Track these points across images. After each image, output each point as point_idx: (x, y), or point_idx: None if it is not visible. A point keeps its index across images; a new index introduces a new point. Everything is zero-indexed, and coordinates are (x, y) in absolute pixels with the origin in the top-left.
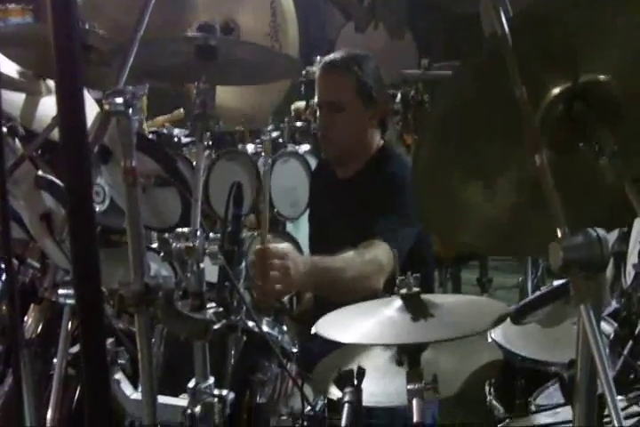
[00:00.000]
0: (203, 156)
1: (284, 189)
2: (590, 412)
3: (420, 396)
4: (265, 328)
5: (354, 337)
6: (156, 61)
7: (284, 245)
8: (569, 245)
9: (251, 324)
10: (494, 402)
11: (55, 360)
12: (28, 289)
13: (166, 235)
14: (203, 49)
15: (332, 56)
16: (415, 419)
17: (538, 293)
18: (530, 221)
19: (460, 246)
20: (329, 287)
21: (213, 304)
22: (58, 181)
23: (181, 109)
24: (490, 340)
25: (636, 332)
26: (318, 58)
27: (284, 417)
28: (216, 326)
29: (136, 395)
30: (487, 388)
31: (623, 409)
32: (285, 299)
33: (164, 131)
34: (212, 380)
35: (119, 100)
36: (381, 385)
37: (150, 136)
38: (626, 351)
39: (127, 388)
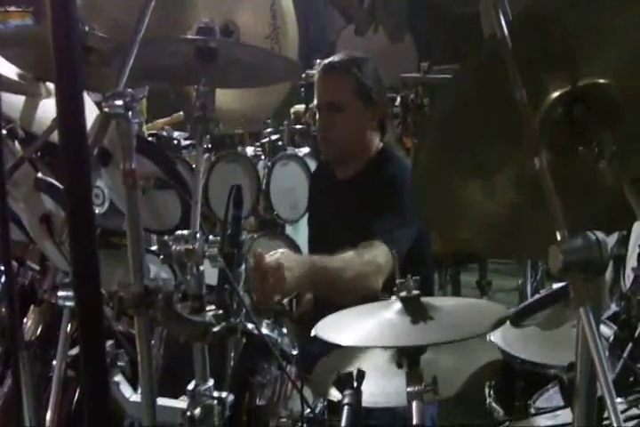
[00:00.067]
0: (202, 158)
1: (283, 192)
2: (590, 414)
3: (420, 398)
4: (264, 330)
5: (353, 340)
6: (155, 62)
7: (279, 254)
8: (568, 248)
9: (250, 326)
10: (494, 404)
11: (54, 362)
12: (27, 291)
13: (166, 237)
14: (202, 51)
15: (331, 58)
16: (415, 421)
17: (537, 296)
18: (528, 219)
19: (460, 243)
20: (328, 287)
21: (213, 307)
22: (57, 184)
23: (181, 112)
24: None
25: (636, 335)
26: (318, 61)
27: (284, 419)
28: (215, 329)
29: (135, 397)
30: (487, 390)
31: (623, 412)
32: (285, 301)
33: (164, 133)
34: (211, 382)
35: (119, 102)
36: (380, 385)
37: (150, 139)
38: (625, 354)
39: (127, 390)
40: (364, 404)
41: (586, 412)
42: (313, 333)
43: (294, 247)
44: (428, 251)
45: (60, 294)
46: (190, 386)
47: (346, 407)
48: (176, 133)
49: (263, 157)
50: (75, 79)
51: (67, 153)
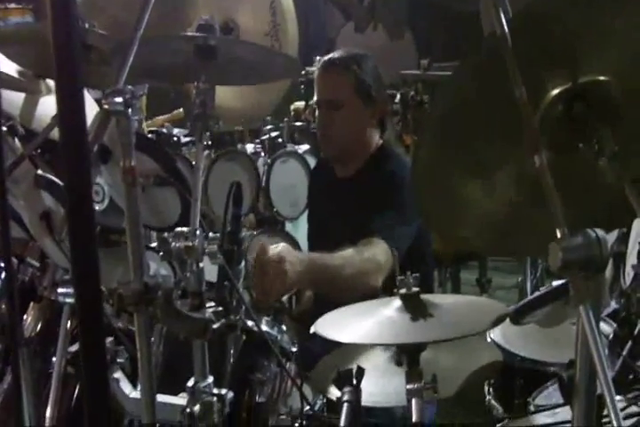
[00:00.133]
0: (202, 155)
1: (283, 189)
2: (589, 412)
3: (420, 396)
4: (264, 328)
5: (353, 337)
6: (155, 60)
7: (281, 248)
8: (568, 246)
9: (250, 323)
10: (493, 402)
11: (54, 359)
12: (27, 288)
13: (165, 234)
14: (202, 48)
15: (331, 55)
16: (414, 419)
17: (537, 293)
18: (528, 217)
19: (459, 242)
20: (327, 284)
21: (213, 304)
22: (57, 181)
23: (181, 109)
24: (489, 340)
25: (636, 332)
26: (318, 58)
27: (283, 416)
28: (215, 326)
29: (135, 394)
30: (486, 388)
31: (622, 409)
32: (285, 298)
33: (164, 130)
34: (211, 379)
35: (119, 99)
36: (380, 385)
37: (150, 136)
38: (625, 352)
39: (126, 387)
40: (363, 403)
41: (585, 410)
42: (312, 330)
43: (294, 244)
44: (428, 249)
45: (60, 290)
46: (190, 383)
47: (345, 405)
48: (176, 131)
49: (263, 154)
50: (75, 76)
51: (67, 150)
